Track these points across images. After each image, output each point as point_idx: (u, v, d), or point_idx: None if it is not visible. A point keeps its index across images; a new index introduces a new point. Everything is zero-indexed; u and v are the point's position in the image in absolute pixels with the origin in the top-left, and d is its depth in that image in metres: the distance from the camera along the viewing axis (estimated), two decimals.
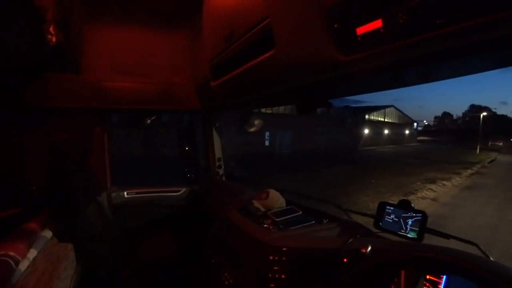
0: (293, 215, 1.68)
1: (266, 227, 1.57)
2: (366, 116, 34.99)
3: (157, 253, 2.54)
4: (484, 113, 46.55)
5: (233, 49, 1.40)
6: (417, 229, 1.24)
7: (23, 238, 1.50)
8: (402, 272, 1.04)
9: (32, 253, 1.47)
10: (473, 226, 5.72)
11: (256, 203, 1.79)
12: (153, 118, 2.65)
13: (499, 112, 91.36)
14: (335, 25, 0.85)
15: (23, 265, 1.36)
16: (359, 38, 0.81)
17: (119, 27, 2.16)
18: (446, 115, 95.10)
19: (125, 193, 2.62)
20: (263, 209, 1.77)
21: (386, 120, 40.03)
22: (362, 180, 9.71)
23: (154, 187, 2.74)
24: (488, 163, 21.16)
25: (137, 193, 2.66)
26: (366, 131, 33.12)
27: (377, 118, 37.80)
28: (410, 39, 0.73)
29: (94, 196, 2.45)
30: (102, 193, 2.52)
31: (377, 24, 0.75)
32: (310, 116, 20.46)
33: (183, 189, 2.78)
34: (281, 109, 20.25)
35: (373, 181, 9.65)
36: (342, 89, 1.38)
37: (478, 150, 29.54)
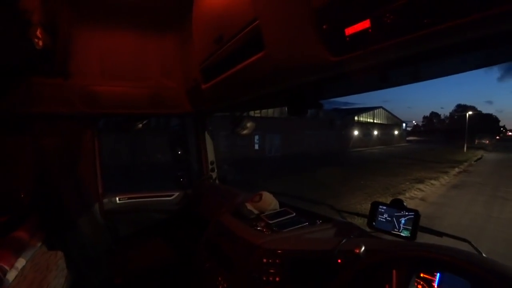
0: (286, 217, 1.68)
1: (259, 230, 1.56)
2: (356, 118, 35.36)
3: (151, 259, 2.51)
4: (470, 112, 47.66)
5: (223, 51, 1.40)
6: (410, 227, 1.26)
7: (11, 247, 1.46)
8: (395, 271, 1.04)
9: (21, 263, 1.44)
10: (461, 225, 5.82)
11: (249, 206, 1.79)
12: (144, 122, 2.62)
13: (484, 111, 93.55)
14: (324, 26, 0.86)
15: (11, 275, 1.32)
16: (347, 39, 0.81)
17: (109, 30, 2.13)
18: (434, 115, 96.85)
19: (117, 198, 2.58)
20: (256, 212, 1.76)
21: (375, 121, 40.53)
22: (351, 182, 9.76)
23: (147, 192, 2.71)
24: (474, 161, 21.59)
25: (129, 198, 2.61)
26: (356, 132, 33.46)
27: (366, 120, 38.24)
28: (398, 39, 0.73)
29: (84, 203, 2.41)
30: (93, 199, 2.48)
31: (365, 24, 0.76)
32: (300, 118, 20.55)
33: (176, 194, 2.75)
34: (270, 112, 20.27)
35: (362, 182, 9.71)
36: (333, 89, 1.39)
37: (465, 149, 30.14)
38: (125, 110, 2.33)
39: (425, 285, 1.01)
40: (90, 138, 2.45)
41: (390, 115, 45.79)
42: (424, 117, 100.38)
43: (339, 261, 1.15)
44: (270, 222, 1.62)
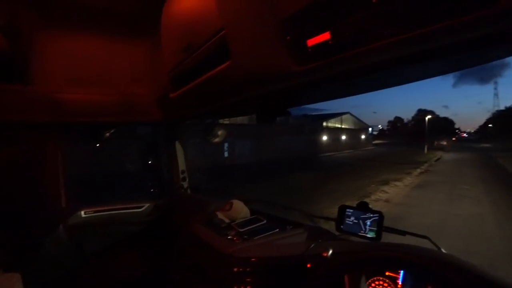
0: (257, 224, 1.68)
1: (230, 238, 1.55)
2: (324, 123, 36.34)
3: (122, 275, 2.40)
4: (429, 116, 50.69)
5: (191, 60, 1.41)
6: (376, 228, 1.31)
7: None
8: (361, 272, 1.09)
9: None
10: (424, 224, 6.10)
11: (220, 215, 1.78)
12: (112, 131, 2.53)
13: (442, 115, 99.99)
14: (288, 37, 0.90)
15: None
16: (309, 49, 0.85)
17: (76, 34, 2.03)
18: (398, 119, 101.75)
19: (82, 212, 2.42)
20: (227, 221, 1.75)
21: (343, 126, 41.86)
22: (321, 186, 9.93)
23: (114, 204, 2.58)
24: (434, 161, 22.95)
25: (95, 212, 2.47)
26: (325, 137, 34.34)
27: (334, 125, 39.39)
28: (357, 50, 0.77)
29: (46, 218, 2.27)
30: (56, 214, 2.33)
31: (326, 36, 0.80)
32: (269, 125, 20.67)
33: (146, 205, 2.64)
34: (239, 119, 20.27)
35: (330, 187, 9.91)
36: (299, 98, 1.44)
37: (425, 150, 31.86)
38: (91, 119, 2.22)
39: (390, 282, 1.05)
40: (53, 149, 2.31)
41: (357, 120, 47.54)
42: (389, 122, 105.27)
43: (308, 265, 1.18)
44: (241, 230, 1.62)
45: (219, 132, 2.54)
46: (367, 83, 1.15)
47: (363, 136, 48.86)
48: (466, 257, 1.00)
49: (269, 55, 0.99)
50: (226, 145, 19.66)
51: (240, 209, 1.83)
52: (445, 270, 0.93)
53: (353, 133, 44.00)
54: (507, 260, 4.44)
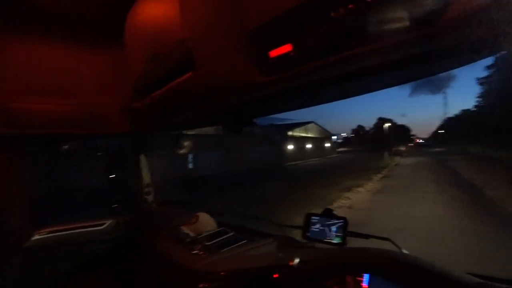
0: (224, 236, 1.66)
1: (195, 253, 1.51)
2: (290, 133, 37.03)
3: None
4: (389, 124, 53.74)
5: (156, 70, 1.38)
6: (341, 234, 1.35)
7: None
8: (328, 278, 1.11)
9: None
10: (386, 229, 6.29)
11: (185, 229, 1.73)
12: (73, 144, 2.38)
13: (400, 123, 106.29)
14: (251, 49, 0.92)
15: None
16: (272, 61, 0.88)
17: (35, 42, 1.88)
18: (360, 127, 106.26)
19: (39, 234, 2.23)
20: (192, 234, 1.71)
21: (308, 135, 42.91)
22: (288, 196, 9.97)
23: (73, 223, 2.39)
24: (394, 166, 24.35)
25: (52, 232, 2.28)
26: (291, 146, 34.94)
27: (299, 134, 40.27)
28: (319, 62, 0.81)
29: None
30: (9, 236, 2.12)
31: (287, 48, 0.83)
32: (236, 135, 20.62)
33: (108, 222, 2.48)
34: (204, 129, 19.91)
35: (296, 196, 10.01)
36: (265, 108, 1.46)
37: (385, 156, 33.54)
38: (51, 130, 2.04)
39: (355, 286, 1.09)
40: (8, 164, 2.11)
41: (321, 129, 49.04)
42: (352, 130, 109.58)
43: (275, 275, 1.18)
44: (207, 243, 1.59)
45: (185, 143, 2.50)
46: (328, 94, 1.20)
47: (327, 144, 50.37)
48: (426, 255, 1.06)
49: (233, 66, 1.00)
50: (190, 156, 18.88)
51: (206, 221, 1.79)
52: (405, 270, 0.98)
53: (318, 141, 45.21)
54: (462, 254, 4.78)
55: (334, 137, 58.50)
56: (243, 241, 1.58)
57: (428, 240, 5.49)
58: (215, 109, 1.36)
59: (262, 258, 1.34)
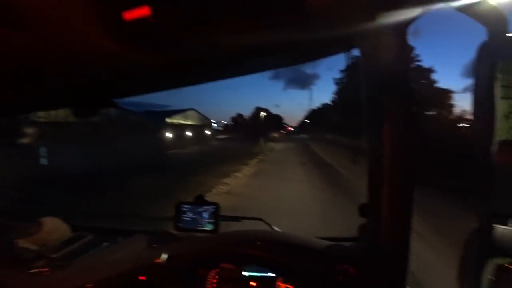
0: (79, 242, 1.37)
1: (35, 272, 1.17)
2: (169, 120, 35.63)
3: None
4: (264, 114, 58.49)
5: None
6: (213, 220, 1.33)
7: None
8: (200, 270, 1.06)
9: None
10: (263, 209, 6.67)
11: (24, 242, 1.32)
12: None
13: (274, 112, 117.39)
14: (100, 6, 0.71)
15: None
16: (128, 25, 0.70)
17: None
18: (239, 115, 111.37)
19: None
20: (34, 248, 1.32)
21: (188, 122, 42.24)
22: (166, 188, 9.24)
23: None
24: (268, 151, 27.01)
25: None
26: (170, 134, 33.78)
27: (179, 121, 39.24)
28: (182, 36, 0.72)
29: None
30: None
31: (145, 11, 0.67)
32: (107, 123, 18.25)
33: None
34: (61, 115, 15.39)
35: (174, 187, 9.68)
36: (125, 86, 1.24)
37: (261, 142, 36.60)
38: None
39: (231, 272, 1.06)
40: None
41: (201, 116, 48.99)
42: (232, 118, 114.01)
43: (141, 278, 1.04)
44: (54, 255, 1.27)
45: (30, 131, 1.99)
46: (195, 74, 1.10)
47: (208, 132, 50.87)
48: (293, 229, 1.16)
49: (76, 27, 0.77)
50: (43, 149, 13.56)
51: (54, 228, 1.40)
52: (276, 247, 1.01)
53: (198, 129, 45.08)
54: (321, 221, 5.89)
55: (214, 125, 59.79)
56: (104, 244, 1.35)
57: (296, 215, 6.18)
58: (58, 86, 1.07)
59: (125, 261, 1.15)
